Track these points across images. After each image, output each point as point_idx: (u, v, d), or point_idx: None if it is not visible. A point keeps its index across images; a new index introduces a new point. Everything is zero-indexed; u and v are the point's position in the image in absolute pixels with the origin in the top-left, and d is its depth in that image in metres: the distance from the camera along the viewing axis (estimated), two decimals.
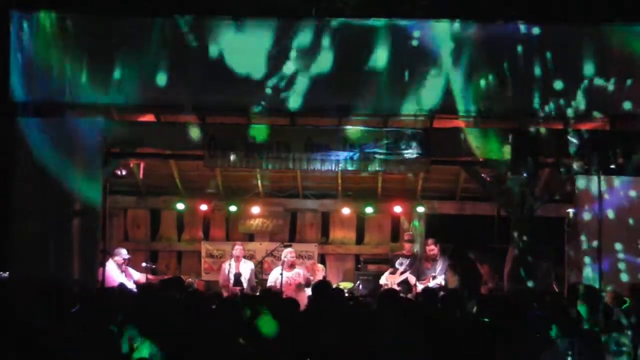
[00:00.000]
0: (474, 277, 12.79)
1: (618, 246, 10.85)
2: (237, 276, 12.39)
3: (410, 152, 11.17)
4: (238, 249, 12.80)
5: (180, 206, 14.21)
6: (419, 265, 12.62)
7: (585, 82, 10.87)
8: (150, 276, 12.55)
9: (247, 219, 14.41)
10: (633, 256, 10.87)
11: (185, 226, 14.80)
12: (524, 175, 10.96)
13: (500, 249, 11.84)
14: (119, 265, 12.17)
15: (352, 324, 7.03)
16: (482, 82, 10.95)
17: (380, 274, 13.04)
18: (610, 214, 10.86)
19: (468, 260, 12.99)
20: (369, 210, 14.22)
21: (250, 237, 14.59)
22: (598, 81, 10.86)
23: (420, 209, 14.17)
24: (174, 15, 11.10)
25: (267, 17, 11.09)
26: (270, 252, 13.57)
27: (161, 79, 11.01)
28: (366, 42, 11.01)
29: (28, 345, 6.36)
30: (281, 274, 11.93)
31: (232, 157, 11.27)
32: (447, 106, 11.00)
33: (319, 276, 12.61)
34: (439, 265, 12.45)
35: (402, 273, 12.55)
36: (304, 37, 11.03)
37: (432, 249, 12.54)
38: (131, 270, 12.40)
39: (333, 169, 11.51)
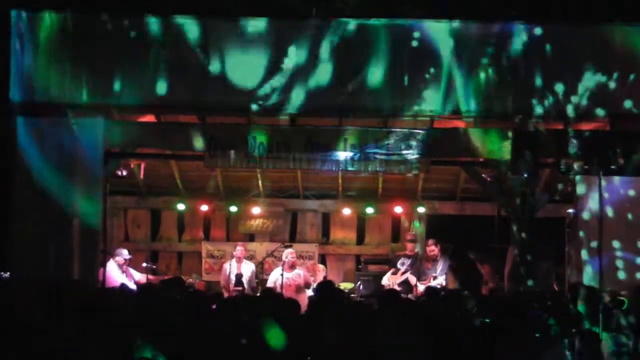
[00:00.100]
0: (474, 277, 12.79)
1: (618, 246, 10.84)
2: (239, 277, 12.40)
3: (411, 153, 11.17)
4: (240, 249, 12.80)
5: (180, 206, 14.22)
6: (419, 266, 12.61)
7: (586, 81, 10.87)
8: (150, 276, 12.56)
9: (248, 219, 14.41)
10: (633, 256, 10.87)
11: (186, 226, 14.80)
12: (524, 175, 10.96)
13: (501, 249, 11.84)
14: (120, 266, 12.17)
15: (352, 324, 7.03)
16: (482, 82, 10.95)
17: (380, 275, 13.02)
18: (610, 213, 10.85)
19: (468, 260, 12.99)
20: (369, 210, 14.23)
21: (251, 237, 14.58)
22: (599, 81, 10.86)
23: (421, 210, 14.17)
24: (174, 15, 11.09)
25: (267, 17, 11.09)
26: (270, 253, 13.57)
27: (161, 79, 11.01)
28: (366, 42, 11.01)
29: (28, 345, 6.36)
30: (282, 275, 11.93)
31: (232, 157, 11.27)
32: (447, 106, 11.00)
33: (320, 277, 12.61)
34: (440, 266, 12.44)
35: (403, 273, 12.54)
36: (304, 37, 11.02)
37: (433, 249, 12.53)
38: (132, 271, 12.40)
39: (333, 169, 11.51)
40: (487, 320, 7.35)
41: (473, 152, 11.31)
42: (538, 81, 10.91)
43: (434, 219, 14.31)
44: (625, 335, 7.53)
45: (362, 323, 7.07)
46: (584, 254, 10.92)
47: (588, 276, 10.74)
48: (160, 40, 11.03)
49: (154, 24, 11.06)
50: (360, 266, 14.16)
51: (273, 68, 11.02)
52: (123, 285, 10.93)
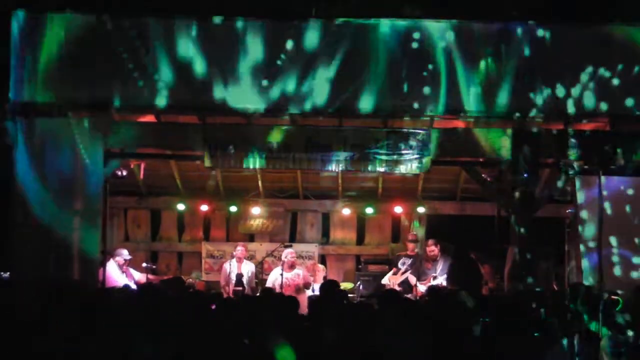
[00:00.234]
0: (475, 277, 12.79)
1: (616, 245, 10.84)
2: (239, 277, 12.40)
3: (411, 153, 11.17)
4: (240, 249, 12.81)
5: (180, 206, 14.22)
6: (419, 266, 12.61)
7: (586, 81, 10.87)
8: (150, 276, 12.56)
9: (248, 219, 14.42)
10: (632, 255, 10.87)
11: (186, 226, 14.81)
12: (524, 175, 10.97)
13: (501, 249, 11.84)
14: (120, 266, 12.17)
15: (352, 324, 7.03)
16: (482, 82, 10.94)
17: (380, 275, 13.03)
18: (610, 214, 10.85)
19: (469, 260, 12.98)
20: (369, 210, 14.23)
21: (251, 237, 14.59)
22: (599, 80, 10.85)
23: (421, 210, 14.18)
24: (174, 15, 11.09)
25: (267, 18, 11.09)
26: (270, 253, 13.58)
27: (162, 80, 11.00)
28: (366, 42, 11.01)
29: (28, 345, 6.36)
30: (281, 275, 11.94)
31: (232, 158, 11.26)
32: (447, 106, 10.99)
33: (320, 277, 12.61)
34: (440, 266, 12.44)
35: (403, 273, 12.54)
36: (304, 38, 11.02)
37: (433, 249, 12.53)
38: (132, 271, 12.40)
39: (333, 169, 11.52)
40: (487, 320, 7.34)
41: (473, 152, 11.31)
42: (538, 81, 10.90)
43: (434, 219, 14.32)
44: (625, 334, 7.53)
45: (362, 323, 7.07)
46: (583, 254, 10.92)
47: (586, 275, 10.75)
48: (161, 40, 11.02)
49: (154, 24, 11.05)
50: (360, 266, 14.16)
51: (273, 68, 11.01)
52: (126, 286, 10.94)
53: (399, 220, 14.57)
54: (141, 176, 13.39)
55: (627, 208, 11.02)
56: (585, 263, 10.85)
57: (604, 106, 10.91)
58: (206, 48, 11.03)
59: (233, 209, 14.10)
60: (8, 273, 11.14)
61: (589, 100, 10.88)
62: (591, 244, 10.72)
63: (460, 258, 12.82)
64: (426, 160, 11.22)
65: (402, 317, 7.10)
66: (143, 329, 6.79)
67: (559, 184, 11.50)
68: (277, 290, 11.46)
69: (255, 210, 14.23)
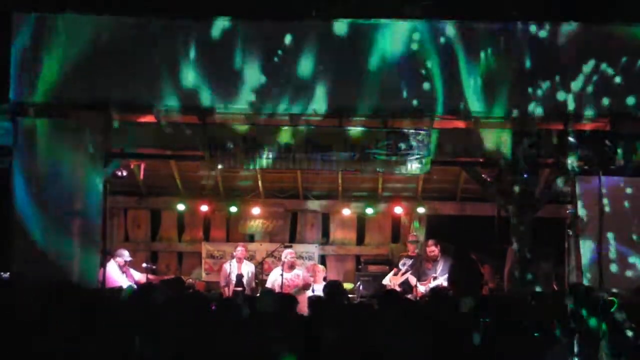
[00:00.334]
0: (475, 277, 12.78)
1: (616, 244, 10.84)
2: (239, 277, 12.40)
3: (411, 153, 11.17)
4: (240, 250, 12.82)
5: (180, 207, 14.23)
6: (419, 266, 12.61)
7: (586, 81, 10.86)
8: (150, 276, 12.57)
9: (248, 219, 14.43)
10: (631, 254, 10.87)
11: (186, 227, 14.82)
12: (524, 175, 10.97)
13: (501, 249, 11.84)
14: (120, 266, 12.18)
15: (352, 324, 7.03)
16: (482, 82, 10.94)
17: (380, 275, 13.04)
18: (610, 213, 10.85)
19: (470, 260, 12.98)
20: (369, 211, 14.24)
21: (251, 237, 14.60)
22: (599, 81, 10.85)
23: (421, 210, 14.18)
24: (173, 16, 11.09)
25: (267, 18, 11.09)
26: (270, 253, 13.59)
27: (162, 80, 11.00)
28: (366, 42, 11.00)
29: (28, 345, 6.36)
30: (281, 275, 11.94)
31: (232, 158, 11.26)
32: (447, 106, 10.99)
33: (320, 277, 12.61)
34: (440, 266, 12.44)
35: (403, 274, 12.54)
36: (304, 38, 11.02)
37: (433, 250, 12.53)
38: (132, 271, 12.41)
39: (333, 169, 11.52)
40: (487, 320, 7.34)
41: (473, 152, 11.31)
42: (539, 81, 10.90)
43: (434, 220, 14.32)
44: (624, 334, 7.53)
45: (362, 323, 7.07)
46: (582, 253, 10.92)
47: (586, 275, 10.75)
48: (160, 40, 11.02)
49: (154, 24, 11.05)
50: (360, 266, 14.17)
51: (272, 68, 11.00)
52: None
53: (399, 221, 14.57)
54: (141, 176, 13.40)
55: (626, 203, 11.00)
56: (585, 263, 10.85)
57: (604, 106, 10.90)
58: (206, 48, 11.03)
59: (233, 209, 14.10)
60: (8, 273, 11.12)
61: (588, 100, 10.87)
62: (591, 244, 10.71)
63: (461, 258, 12.80)
64: (426, 160, 11.21)
65: (402, 318, 7.09)
66: (143, 329, 6.80)
67: (559, 184, 11.50)
68: (277, 290, 11.46)
69: (255, 210, 14.23)
